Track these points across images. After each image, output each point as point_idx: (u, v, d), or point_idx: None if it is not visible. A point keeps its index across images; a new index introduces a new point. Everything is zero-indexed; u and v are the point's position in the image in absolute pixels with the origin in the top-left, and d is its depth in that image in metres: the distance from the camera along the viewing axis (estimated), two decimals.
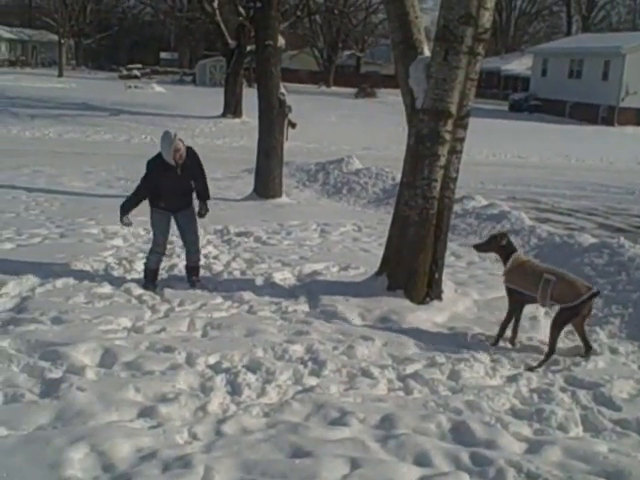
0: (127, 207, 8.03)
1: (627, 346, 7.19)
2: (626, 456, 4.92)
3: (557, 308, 6.87)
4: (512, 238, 10.59)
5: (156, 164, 7.87)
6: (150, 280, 8.12)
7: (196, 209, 8.25)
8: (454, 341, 7.05)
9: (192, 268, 8.34)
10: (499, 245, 7.25)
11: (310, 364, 6.18)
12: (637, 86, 46.94)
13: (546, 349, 6.80)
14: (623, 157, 29.45)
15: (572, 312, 6.68)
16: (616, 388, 6.11)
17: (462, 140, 8.07)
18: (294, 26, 35.77)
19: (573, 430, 5.36)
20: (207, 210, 8.31)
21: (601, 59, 49.58)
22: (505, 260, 7.16)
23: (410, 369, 6.26)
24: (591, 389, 6.07)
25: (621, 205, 17.52)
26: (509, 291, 7.12)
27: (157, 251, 8.14)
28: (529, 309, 8.19)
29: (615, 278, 8.80)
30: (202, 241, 10.12)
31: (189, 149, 7.95)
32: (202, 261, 8.66)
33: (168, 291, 7.95)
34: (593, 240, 10.33)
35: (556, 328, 6.73)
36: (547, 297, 6.77)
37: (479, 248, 7.66)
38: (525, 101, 56.30)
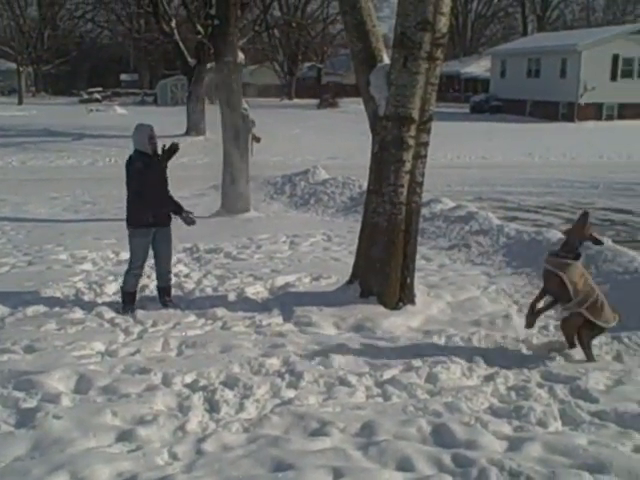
0: (137, 220, 7.95)
1: (600, 338, 7.23)
2: (606, 447, 4.96)
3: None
4: (482, 238, 10.71)
5: (135, 159, 7.89)
6: (128, 302, 8.04)
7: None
8: (430, 344, 7.06)
9: (164, 288, 8.29)
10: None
11: (287, 376, 6.15)
12: (595, 82, 47.55)
13: (521, 346, 6.87)
14: (585, 152, 29.78)
15: None
16: (592, 380, 6.16)
17: (426, 144, 8.11)
18: (253, 41, 35.74)
19: (552, 425, 5.39)
20: (193, 220, 8.30)
21: (558, 57, 50.17)
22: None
23: (387, 375, 6.26)
24: (567, 383, 6.11)
25: (586, 199, 17.70)
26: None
27: (135, 273, 8.07)
28: (502, 307, 8.29)
29: None
30: (172, 260, 10.09)
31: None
32: (173, 280, 8.62)
33: (140, 312, 7.89)
34: (561, 235, 10.38)
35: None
36: None
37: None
38: (486, 102, 56.76)
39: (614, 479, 4.55)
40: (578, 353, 6.83)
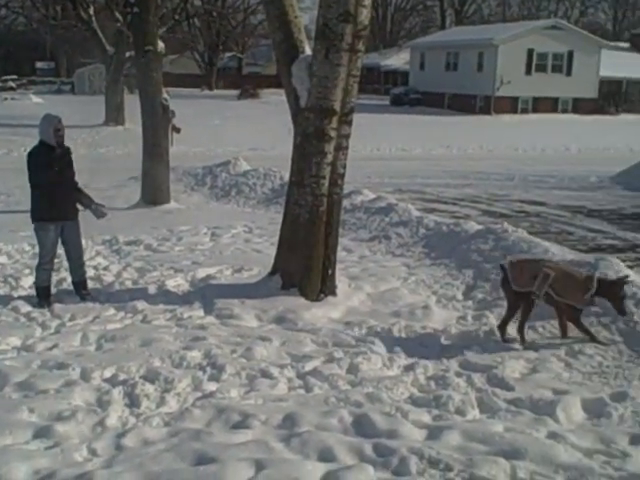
0: (41, 214, 7.73)
1: (516, 327, 7.41)
2: (521, 434, 5.08)
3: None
4: (401, 230, 10.81)
5: (38, 152, 7.67)
6: (44, 298, 7.86)
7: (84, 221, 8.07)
8: (351, 335, 7.12)
9: (79, 282, 8.15)
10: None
11: (209, 369, 6.13)
12: (511, 76, 48.57)
13: (440, 336, 7.05)
14: (501, 145, 30.41)
15: None
16: (508, 369, 6.31)
17: (347, 136, 8.16)
18: (173, 30, 35.32)
19: (470, 413, 5.50)
20: (103, 213, 8.12)
21: (475, 51, 51.10)
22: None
23: (309, 366, 6.29)
24: (485, 372, 6.24)
25: (502, 191, 18.08)
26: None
27: (46, 268, 7.91)
28: (422, 298, 8.42)
29: (501, 262, 9.05)
30: (91, 252, 9.95)
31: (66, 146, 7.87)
32: (92, 273, 8.48)
33: (58, 306, 7.73)
34: (478, 227, 10.64)
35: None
36: None
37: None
38: (405, 95, 57.41)
39: (529, 464, 4.67)
40: (494, 342, 6.99)
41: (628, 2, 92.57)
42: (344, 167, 8.23)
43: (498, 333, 7.11)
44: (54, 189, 7.67)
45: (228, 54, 78.23)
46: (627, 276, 7.12)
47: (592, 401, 5.66)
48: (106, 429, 5.08)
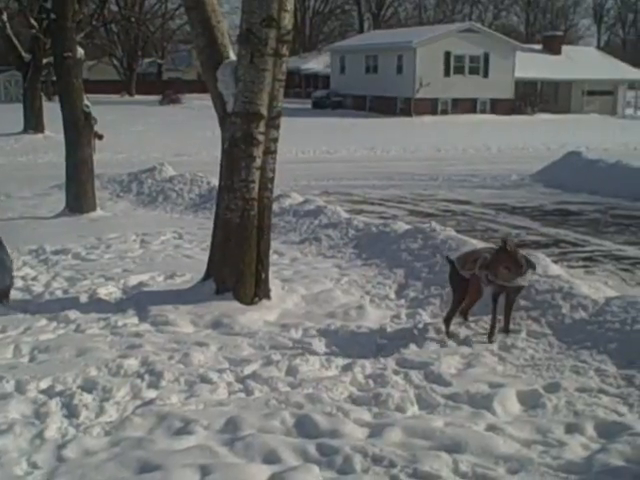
0: None
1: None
2: (461, 427, 5.18)
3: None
4: (331, 231, 10.90)
5: None
6: None
7: None
8: (287, 337, 7.14)
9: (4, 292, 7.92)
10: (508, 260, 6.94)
11: (147, 377, 6.06)
12: (430, 78, 49.33)
13: (376, 334, 7.12)
14: (423, 145, 30.85)
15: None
16: (444, 365, 6.41)
17: (275, 140, 8.18)
18: (90, 36, 34.77)
19: (410, 409, 5.58)
20: None
21: (394, 54, 51.76)
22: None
23: (248, 370, 6.28)
24: (422, 368, 6.32)
25: (427, 191, 18.35)
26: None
27: None
28: (355, 298, 8.49)
29: (431, 260, 9.23)
30: (17, 263, 9.71)
31: None
32: (20, 283, 8.32)
33: None
34: (407, 227, 10.78)
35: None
36: None
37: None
38: (327, 98, 57.77)
39: (470, 457, 4.77)
40: (429, 339, 7.10)
41: (539, 5, 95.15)
42: (273, 171, 8.25)
43: (443, 328, 7.23)
44: None
45: (147, 59, 77.44)
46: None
47: (527, 393, 5.80)
48: (45, 441, 4.99)
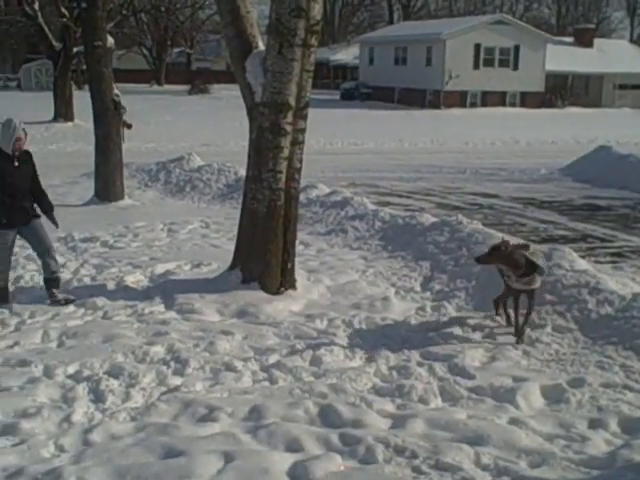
0: None
1: (474, 316, 7.57)
2: (483, 420, 5.21)
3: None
4: (357, 223, 10.88)
5: None
6: (2, 300, 7.70)
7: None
8: (312, 328, 7.18)
9: (49, 280, 7.89)
10: (504, 258, 6.92)
11: (173, 364, 6.14)
12: (459, 70, 49.07)
13: (401, 326, 7.12)
14: (452, 139, 30.73)
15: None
16: (468, 358, 6.43)
17: (303, 131, 8.20)
18: (120, 25, 34.99)
19: (433, 402, 5.61)
20: (57, 224, 8.04)
21: (424, 46, 51.51)
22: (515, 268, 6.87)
23: (272, 359, 6.34)
24: (446, 361, 6.35)
25: (455, 184, 18.28)
26: (534, 292, 7.06)
27: (1, 270, 7.74)
28: (381, 290, 8.51)
29: (457, 254, 9.22)
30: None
31: (25, 150, 7.67)
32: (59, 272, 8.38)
33: (16, 304, 7.65)
34: (433, 219, 10.76)
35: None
36: None
37: (481, 260, 7.21)
38: (355, 89, 57.63)
39: (492, 450, 4.79)
40: (454, 331, 7.10)
41: None
42: (300, 161, 8.28)
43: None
44: (12, 197, 7.47)
45: (177, 49, 77.62)
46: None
47: (551, 387, 5.81)
48: (72, 425, 5.08)
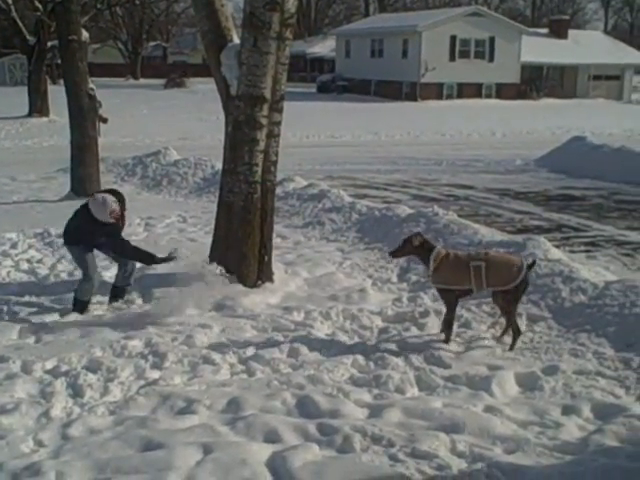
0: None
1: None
2: (459, 408, 5.28)
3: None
4: (334, 215, 10.95)
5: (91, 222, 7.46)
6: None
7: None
8: (290, 320, 7.23)
9: (117, 288, 7.87)
10: (414, 246, 6.69)
11: (151, 357, 6.17)
12: (435, 62, 49.14)
13: (377, 317, 7.15)
14: (428, 130, 30.80)
15: (515, 291, 6.47)
16: (444, 347, 6.50)
17: (279, 124, 8.23)
18: (95, 19, 34.79)
19: (409, 391, 5.68)
20: None
21: (400, 38, 51.51)
22: (425, 260, 6.67)
23: (250, 351, 6.38)
24: (422, 351, 6.42)
25: (431, 176, 18.36)
26: (440, 291, 6.76)
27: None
28: (357, 281, 8.56)
29: None
30: (23, 245, 9.82)
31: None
32: (25, 266, 8.37)
33: None
34: (410, 211, 10.84)
35: (511, 311, 6.57)
36: (483, 285, 6.51)
37: (395, 254, 6.98)
38: (332, 82, 57.53)
39: (468, 437, 4.86)
40: (430, 322, 7.17)
41: None
42: (276, 154, 8.31)
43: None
44: None
45: (152, 43, 77.26)
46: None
47: (525, 375, 5.90)
48: (51, 420, 5.10)
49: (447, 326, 6.74)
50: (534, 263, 6.79)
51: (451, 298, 6.68)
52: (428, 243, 6.73)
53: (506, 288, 6.45)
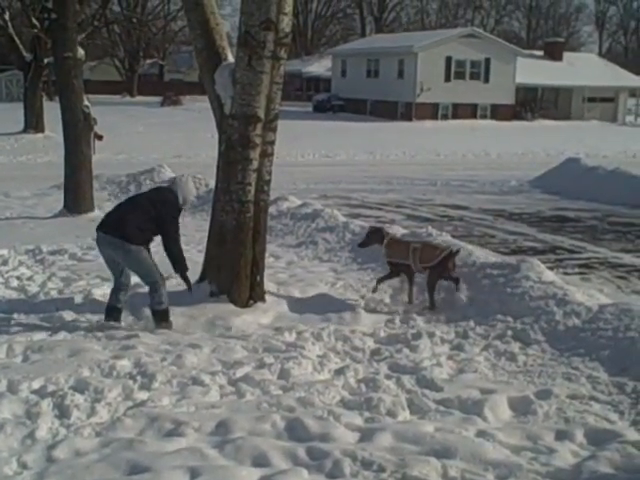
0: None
1: (443, 328, 7.59)
2: (451, 433, 5.20)
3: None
4: (328, 235, 10.91)
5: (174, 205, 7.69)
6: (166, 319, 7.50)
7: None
8: (281, 341, 7.15)
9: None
10: (374, 235, 8.81)
11: (139, 378, 6.08)
12: (430, 82, 49.32)
13: (369, 339, 7.10)
14: (423, 150, 30.86)
15: (437, 270, 8.17)
16: (436, 370, 6.44)
17: (272, 143, 8.21)
18: (92, 36, 34.77)
19: (401, 414, 5.60)
20: None
21: (395, 58, 51.73)
22: (381, 243, 8.64)
23: (240, 372, 6.30)
24: (414, 373, 6.36)
25: (426, 196, 18.35)
26: (389, 263, 8.59)
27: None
28: (350, 302, 8.50)
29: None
30: (14, 262, 9.74)
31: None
32: (15, 283, 8.28)
33: None
34: (404, 231, 10.80)
35: (430, 286, 8.25)
36: (417, 262, 8.25)
37: (363, 245, 9.04)
38: (328, 101, 57.65)
39: (460, 463, 4.79)
40: (423, 344, 7.11)
41: (541, 11, 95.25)
42: (270, 174, 8.27)
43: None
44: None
45: (149, 61, 77.33)
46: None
47: (518, 399, 5.83)
48: (36, 441, 5.01)
49: (379, 280, 8.70)
50: (458, 251, 8.52)
51: (394, 270, 8.57)
52: (382, 232, 8.85)
53: (430, 265, 8.18)
